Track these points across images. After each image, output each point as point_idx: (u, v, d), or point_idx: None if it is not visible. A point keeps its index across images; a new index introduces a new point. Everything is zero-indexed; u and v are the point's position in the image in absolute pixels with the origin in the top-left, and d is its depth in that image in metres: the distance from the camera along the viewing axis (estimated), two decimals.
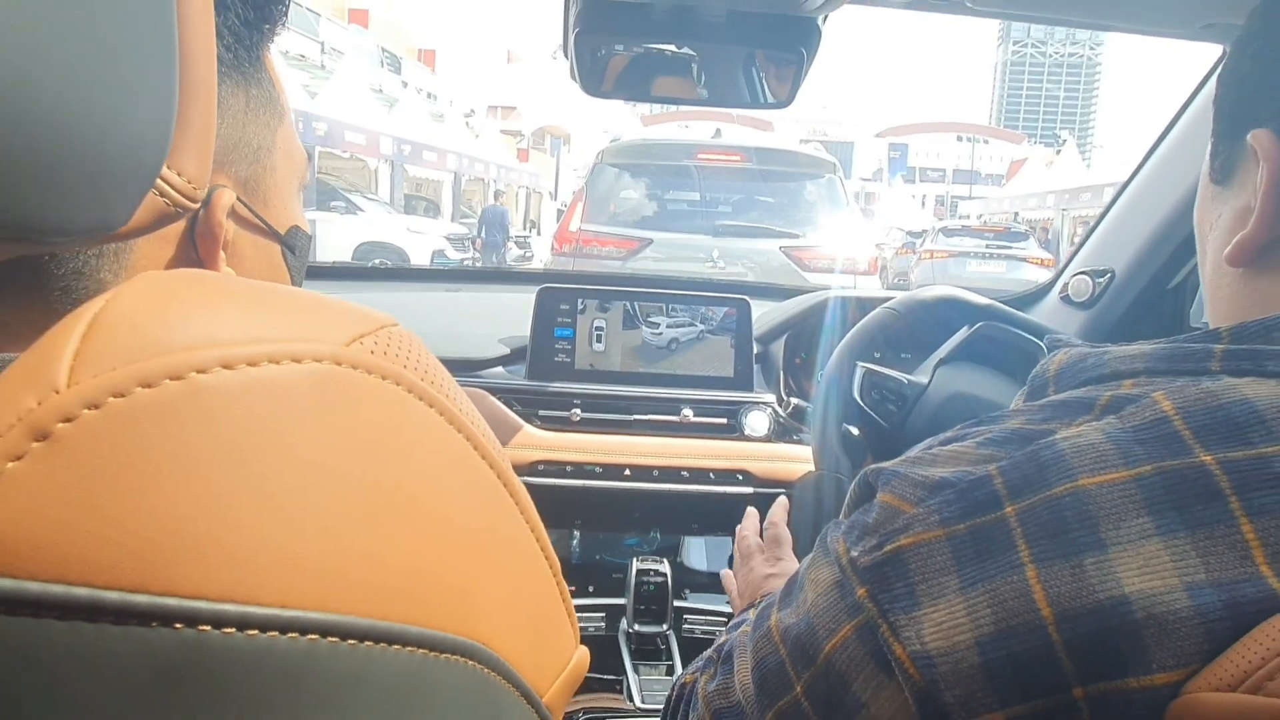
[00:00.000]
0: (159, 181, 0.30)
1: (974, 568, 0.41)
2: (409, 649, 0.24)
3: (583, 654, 0.33)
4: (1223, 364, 0.43)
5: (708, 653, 0.65)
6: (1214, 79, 1.12)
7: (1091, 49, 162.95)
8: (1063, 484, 0.40)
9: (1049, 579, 0.39)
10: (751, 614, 0.60)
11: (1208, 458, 0.39)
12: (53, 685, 0.20)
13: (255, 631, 0.21)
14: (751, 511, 1.00)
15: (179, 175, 0.31)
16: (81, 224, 0.26)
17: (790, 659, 0.50)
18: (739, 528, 0.98)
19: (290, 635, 0.21)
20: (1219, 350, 0.44)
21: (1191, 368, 0.44)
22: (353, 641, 0.22)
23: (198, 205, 0.33)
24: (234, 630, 0.21)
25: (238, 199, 0.48)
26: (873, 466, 0.50)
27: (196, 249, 0.46)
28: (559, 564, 0.32)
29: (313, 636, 0.22)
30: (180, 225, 0.44)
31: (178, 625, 0.20)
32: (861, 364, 1.12)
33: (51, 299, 0.37)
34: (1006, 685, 0.40)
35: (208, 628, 0.20)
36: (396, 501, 0.24)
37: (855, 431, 1.12)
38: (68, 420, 0.21)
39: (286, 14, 0.50)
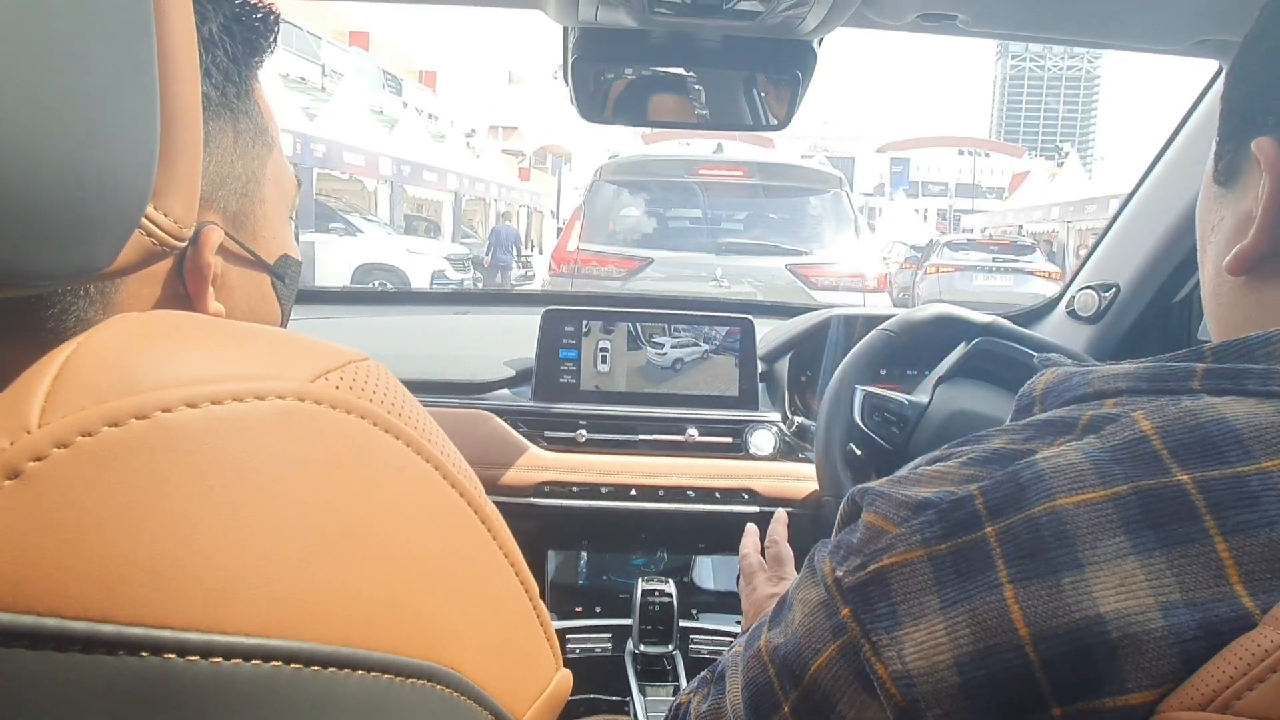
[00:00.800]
0: (145, 222, 0.31)
1: (954, 588, 0.42)
2: (373, 674, 0.24)
3: (564, 676, 0.34)
4: (1203, 383, 0.43)
5: (704, 673, 0.65)
6: (1213, 91, 1.12)
7: (1090, 62, 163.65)
8: (1041, 504, 0.41)
9: (1027, 598, 0.39)
10: (751, 627, 0.61)
11: (1184, 477, 0.39)
12: (24, 712, 0.20)
13: (219, 659, 0.22)
14: (751, 529, 1.00)
15: (165, 216, 0.32)
16: (65, 268, 0.27)
17: (778, 679, 0.51)
18: (740, 546, 0.98)
19: (254, 662, 0.22)
20: (1200, 369, 0.44)
21: (1173, 387, 0.44)
22: (316, 668, 0.23)
23: (185, 244, 0.34)
24: (198, 658, 0.21)
25: (226, 234, 0.47)
26: (860, 486, 0.50)
27: (185, 284, 0.46)
28: (536, 589, 0.33)
29: (276, 663, 0.22)
30: (167, 262, 0.44)
31: (144, 654, 0.21)
32: (861, 387, 1.13)
33: (41, 337, 0.38)
34: (986, 705, 0.40)
35: (173, 656, 0.21)
36: (360, 530, 0.25)
37: (859, 453, 1.12)
38: (38, 459, 0.22)
39: (275, 45, 0.50)
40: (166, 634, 0.21)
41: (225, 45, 0.46)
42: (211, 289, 0.47)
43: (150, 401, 0.23)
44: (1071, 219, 17.59)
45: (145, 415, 0.23)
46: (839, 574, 0.46)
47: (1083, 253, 1.54)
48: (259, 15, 0.48)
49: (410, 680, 0.25)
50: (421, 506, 0.28)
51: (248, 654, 0.22)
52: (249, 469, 0.24)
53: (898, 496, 0.46)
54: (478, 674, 0.28)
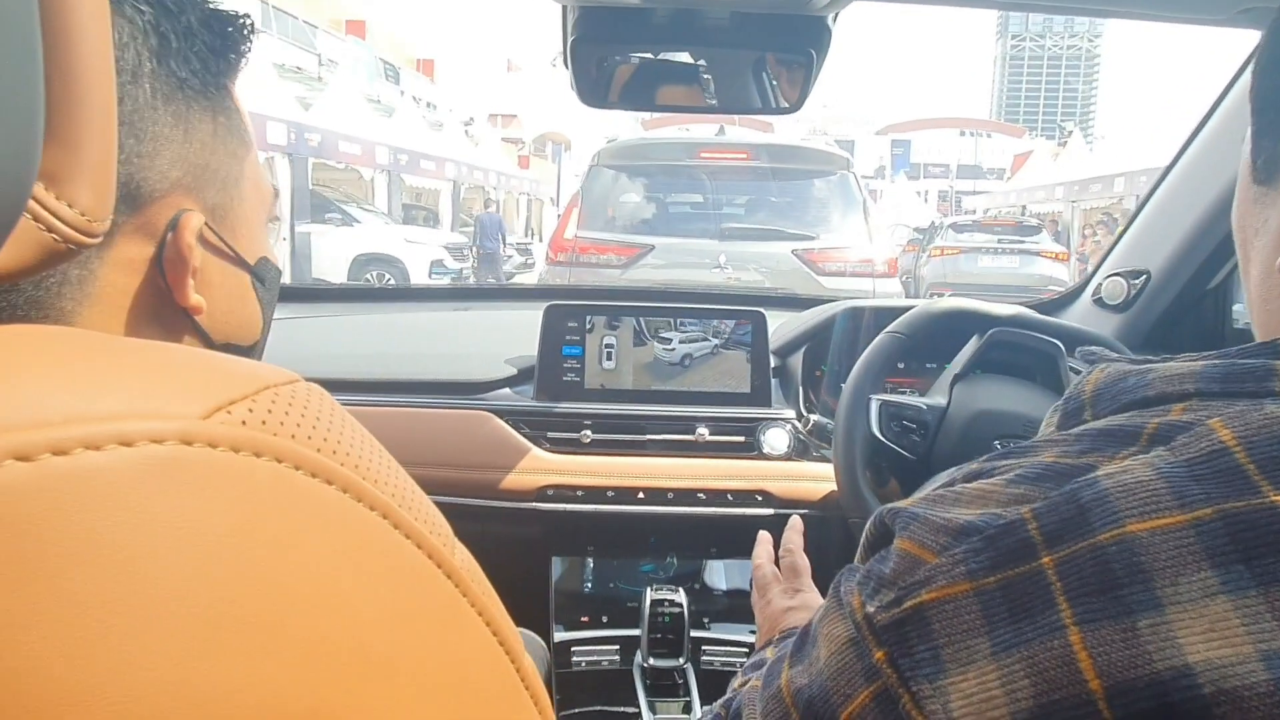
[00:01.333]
0: (43, 214, 0.25)
1: (1008, 629, 0.36)
2: None
3: None
4: None
5: (715, 706, 0.60)
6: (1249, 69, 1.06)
7: (1090, 41, 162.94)
8: (1108, 530, 0.35)
9: (1096, 644, 0.34)
10: (769, 653, 0.55)
11: (1278, 498, 0.33)
12: None
13: None
14: (764, 536, 0.94)
15: (69, 207, 0.26)
16: None
17: None
18: (753, 556, 0.93)
19: None
20: None
21: (1251, 388, 0.38)
22: None
23: (97, 239, 0.28)
24: None
25: (206, 224, 0.47)
26: (890, 506, 0.44)
27: (164, 275, 0.45)
28: (520, 644, 0.27)
29: None
30: (148, 251, 0.44)
31: None
32: (875, 397, 1.07)
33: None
34: None
35: None
36: (270, 607, 0.19)
37: (882, 465, 1.07)
38: None
39: (250, 48, 0.50)
40: None
41: (203, 36, 0.46)
42: (192, 281, 0.46)
43: None
44: (1076, 198, 17.47)
45: None
46: (870, 610, 0.41)
47: (1087, 232, 1.48)
48: (231, 25, 0.48)
49: None
50: (362, 566, 0.22)
51: None
52: (103, 541, 0.18)
53: (936, 520, 0.40)
54: None
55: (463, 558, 0.26)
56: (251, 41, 0.50)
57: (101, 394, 0.20)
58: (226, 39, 0.48)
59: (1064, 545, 0.36)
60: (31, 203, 0.25)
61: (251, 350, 0.54)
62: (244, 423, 0.21)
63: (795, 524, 0.95)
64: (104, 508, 0.18)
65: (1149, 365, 0.43)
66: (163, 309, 0.45)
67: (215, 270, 0.49)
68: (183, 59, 0.44)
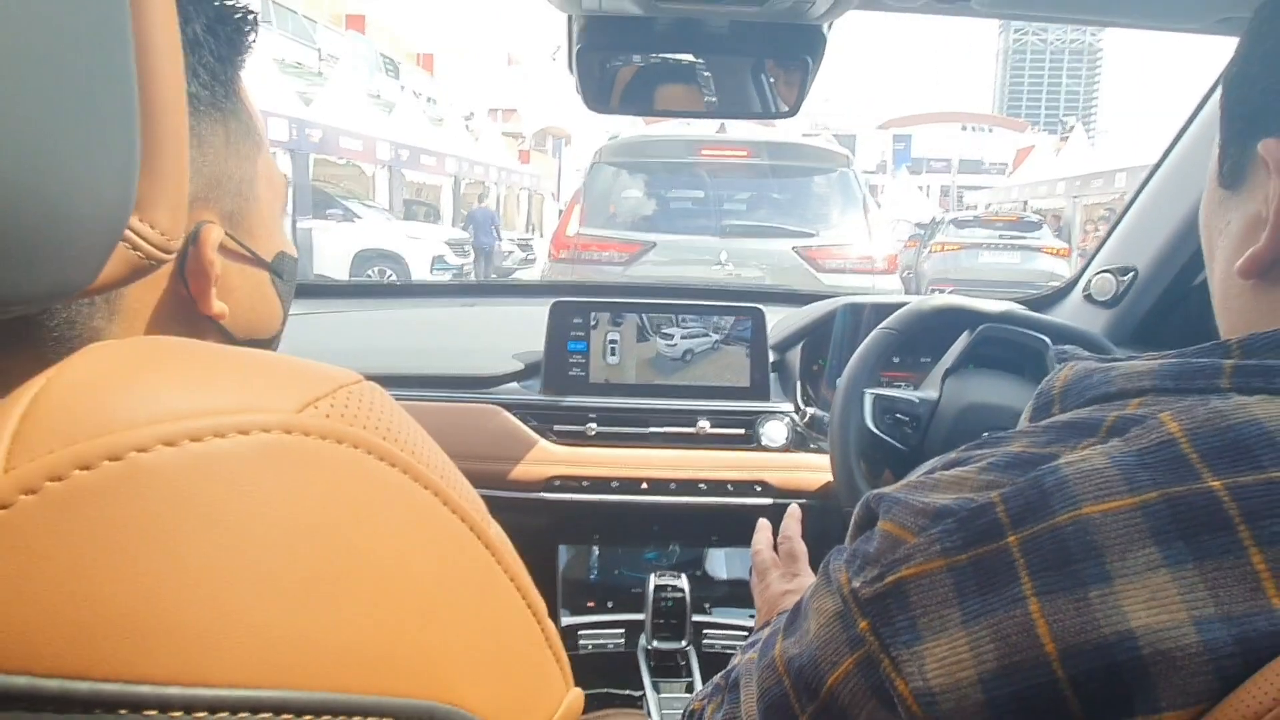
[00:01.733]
0: (131, 235, 0.30)
1: (976, 600, 0.40)
2: (370, 719, 0.23)
3: (575, 696, 0.33)
4: (1233, 380, 0.41)
5: (716, 678, 0.64)
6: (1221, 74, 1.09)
7: (1093, 35, 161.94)
8: (1066, 512, 0.39)
9: (1052, 613, 0.38)
10: (765, 632, 0.60)
11: (1216, 483, 0.38)
12: None
13: (204, 714, 0.20)
14: (764, 524, 0.99)
15: (151, 228, 0.31)
16: (40, 290, 0.26)
17: (794, 691, 0.50)
18: (753, 542, 0.97)
19: (241, 715, 0.21)
20: (1229, 366, 0.42)
21: (1200, 385, 0.42)
22: (309, 717, 0.22)
23: (172, 256, 0.32)
24: (181, 714, 0.20)
25: (226, 234, 0.48)
26: (875, 492, 0.49)
27: (187, 286, 0.46)
28: (544, 607, 0.31)
29: (265, 715, 0.21)
30: (169, 265, 0.44)
31: (122, 711, 0.20)
32: (869, 390, 1.11)
33: (45, 349, 0.37)
34: None
35: (154, 712, 0.20)
36: (352, 568, 0.24)
37: (875, 457, 1.10)
38: (4, 507, 0.20)
39: (255, 39, 0.50)
40: (145, 689, 0.20)
41: (210, 45, 0.46)
42: (214, 289, 0.47)
43: (124, 441, 0.21)
44: (1077, 194, 17.44)
45: (119, 457, 0.21)
46: (855, 585, 0.45)
47: (1089, 228, 1.51)
48: (239, 14, 0.48)
49: None
50: (419, 536, 0.26)
51: (234, 706, 0.21)
52: (232, 510, 0.22)
53: (915, 504, 0.44)
54: (481, 707, 0.27)
55: (496, 531, 0.30)
56: (256, 32, 0.50)
57: (220, 392, 0.24)
58: (233, 44, 0.48)
59: (1028, 526, 0.40)
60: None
61: (271, 342, 0.56)
62: (328, 415, 0.25)
63: (794, 512, 0.99)
64: (227, 483, 0.22)
65: (1113, 364, 0.47)
66: (186, 317, 0.46)
67: (235, 274, 0.49)
68: (191, 74, 0.44)
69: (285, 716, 0.21)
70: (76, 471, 0.21)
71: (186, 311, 0.47)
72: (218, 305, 0.47)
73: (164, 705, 0.20)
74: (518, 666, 0.30)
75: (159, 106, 0.30)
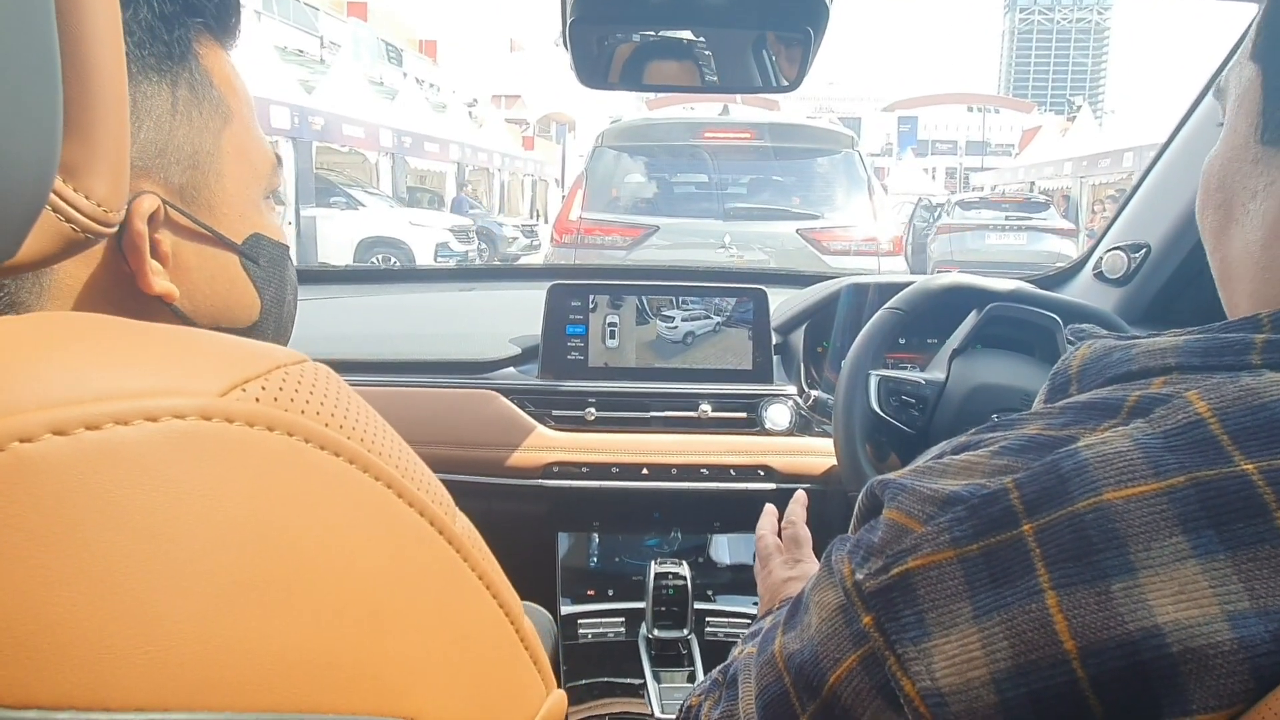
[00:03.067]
0: (62, 205, 0.27)
1: (989, 594, 0.37)
2: None
3: (557, 699, 0.30)
4: (1264, 356, 0.38)
5: (714, 673, 0.62)
6: (1252, 29, 1.06)
7: (1099, 14, 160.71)
8: (1086, 498, 0.36)
9: (1072, 607, 0.35)
10: (766, 623, 0.57)
11: (1249, 466, 0.35)
12: None
13: None
14: (769, 509, 0.96)
15: (86, 198, 0.28)
16: None
17: (795, 689, 0.47)
18: (757, 527, 0.94)
19: None
20: (1260, 340, 0.39)
21: (1229, 361, 0.39)
22: None
23: (112, 229, 0.30)
24: None
25: (169, 205, 0.45)
26: (880, 478, 0.46)
27: (127, 261, 0.43)
28: (519, 607, 0.29)
29: None
30: (104, 240, 0.42)
31: None
32: (874, 372, 1.08)
33: None
34: None
35: None
36: (285, 570, 0.21)
37: (882, 439, 1.08)
38: None
39: (226, 9, 0.47)
40: (31, 715, 0.18)
41: (152, 3, 0.43)
42: (157, 265, 0.44)
43: (5, 429, 0.19)
44: (1085, 174, 17.30)
45: None
46: (859, 577, 0.42)
47: (1097, 208, 1.48)
48: None
49: None
50: (369, 532, 0.24)
51: None
52: (135, 507, 0.19)
53: (923, 490, 0.42)
54: (443, 718, 0.24)
55: (463, 525, 0.28)
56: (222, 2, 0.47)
57: (127, 374, 0.21)
58: (184, 4, 0.45)
59: (1044, 514, 0.37)
60: (51, 195, 0.27)
61: (253, 330, 0.53)
62: (258, 400, 0.22)
63: (799, 497, 0.97)
64: (132, 477, 0.20)
65: (1133, 340, 0.44)
66: (128, 296, 0.44)
67: (191, 253, 0.47)
68: (125, 31, 0.42)
69: None
70: None
71: (128, 290, 0.44)
72: (161, 284, 0.44)
73: None
74: (487, 673, 0.27)
75: (90, 63, 0.27)
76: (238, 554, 0.21)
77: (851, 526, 0.48)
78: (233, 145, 0.49)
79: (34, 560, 0.18)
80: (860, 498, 0.48)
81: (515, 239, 14.59)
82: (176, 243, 0.45)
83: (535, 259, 13.97)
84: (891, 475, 0.45)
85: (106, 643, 0.18)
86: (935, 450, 0.46)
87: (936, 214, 12.39)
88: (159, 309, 0.45)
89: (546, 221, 17.71)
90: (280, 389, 0.23)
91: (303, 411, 0.23)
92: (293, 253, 0.58)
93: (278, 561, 0.21)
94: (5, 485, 0.18)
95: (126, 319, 0.25)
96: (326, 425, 0.24)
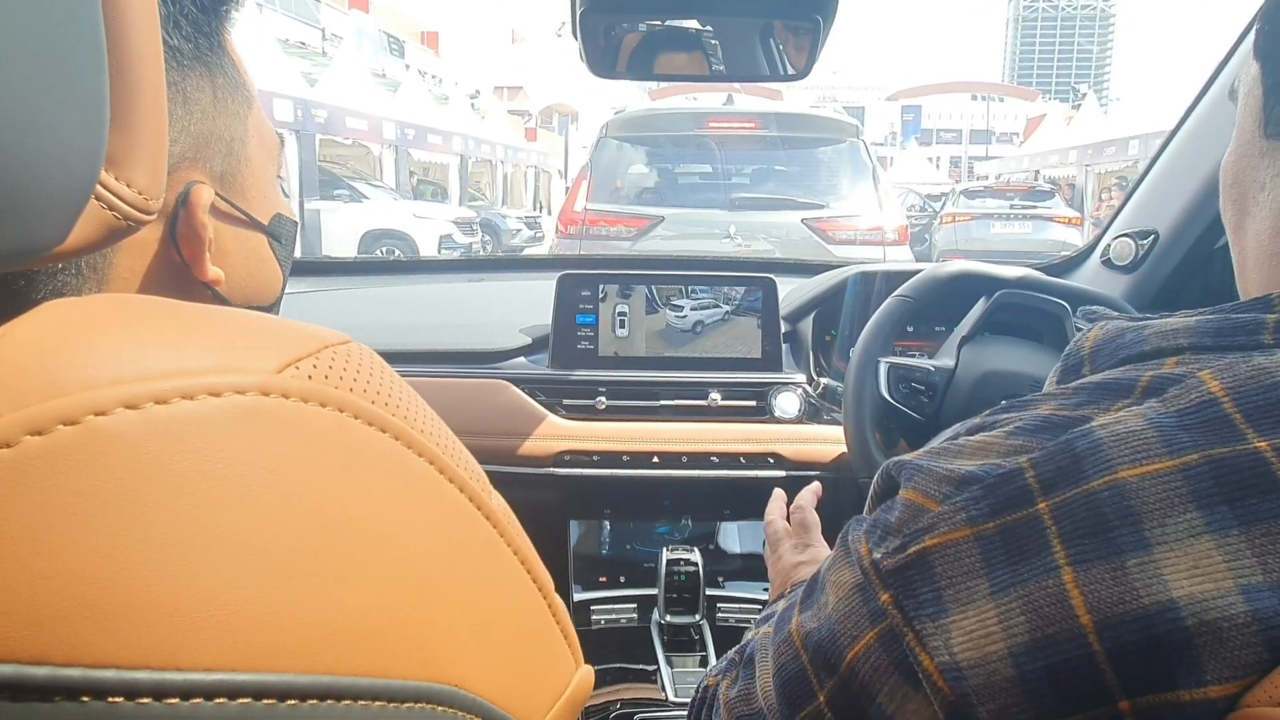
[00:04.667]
0: (106, 194, 0.28)
1: (1005, 571, 0.38)
2: (362, 703, 0.22)
3: (585, 674, 0.31)
4: (1276, 336, 0.39)
5: (730, 653, 0.62)
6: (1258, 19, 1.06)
7: (1105, 0, 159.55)
8: (1100, 477, 0.37)
9: (1088, 583, 0.36)
10: (780, 605, 0.58)
11: (1262, 444, 0.36)
12: None
13: (176, 700, 0.19)
14: (778, 493, 0.97)
15: (128, 187, 0.29)
16: (6, 250, 0.24)
17: (812, 666, 0.48)
18: (766, 513, 0.95)
19: (218, 700, 0.19)
20: (1272, 320, 0.40)
21: (1242, 341, 0.40)
22: (293, 701, 0.20)
23: (152, 216, 0.31)
24: (150, 700, 0.19)
25: (217, 194, 0.45)
26: (895, 459, 0.46)
27: (180, 251, 0.44)
28: (550, 583, 0.30)
29: (245, 700, 0.20)
30: (158, 230, 0.43)
31: (84, 698, 0.18)
32: (884, 360, 1.09)
33: None
34: (1044, 699, 0.37)
35: (120, 699, 0.18)
36: (339, 540, 0.22)
37: (891, 427, 1.08)
38: None
39: None
40: (110, 674, 0.18)
41: None
42: (208, 254, 0.45)
43: (81, 404, 0.19)
44: (1090, 162, 17.22)
45: (75, 421, 0.19)
46: (876, 556, 0.43)
47: (1103, 196, 1.48)
48: None
49: (405, 705, 0.23)
50: (414, 507, 0.25)
51: (209, 692, 0.19)
52: (203, 478, 0.20)
53: (938, 470, 0.42)
54: (483, 687, 0.25)
55: (499, 502, 0.28)
56: None
57: (191, 352, 0.22)
58: None
59: (1059, 492, 0.38)
60: (96, 185, 0.28)
61: (271, 309, 0.54)
62: (310, 377, 0.23)
63: (813, 486, 0.97)
64: (198, 450, 0.20)
65: (1146, 321, 0.44)
66: (179, 284, 0.45)
67: (230, 238, 0.48)
68: (173, 25, 0.42)
69: (266, 701, 0.20)
70: (27, 437, 0.19)
71: (179, 279, 0.45)
72: (213, 271, 0.45)
73: (131, 691, 0.18)
74: (523, 644, 0.28)
75: (131, 56, 0.28)
76: (295, 525, 0.21)
77: (867, 508, 0.49)
78: (255, 128, 0.50)
79: (109, 529, 0.19)
80: (876, 479, 0.49)
81: (519, 231, 14.59)
82: (219, 229, 0.46)
83: (539, 251, 13.97)
84: (907, 456, 0.46)
85: (176, 607, 0.19)
86: (949, 432, 0.46)
87: (941, 204, 12.34)
88: (204, 295, 0.46)
89: (550, 213, 17.69)
90: (330, 367, 0.24)
91: (351, 389, 0.24)
92: (296, 247, 0.59)
93: (332, 533, 0.22)
94: (82, 456, 0.19)
95: (181, 301, 0.26)
96: (373, 403, 0.24)
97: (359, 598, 0.22)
